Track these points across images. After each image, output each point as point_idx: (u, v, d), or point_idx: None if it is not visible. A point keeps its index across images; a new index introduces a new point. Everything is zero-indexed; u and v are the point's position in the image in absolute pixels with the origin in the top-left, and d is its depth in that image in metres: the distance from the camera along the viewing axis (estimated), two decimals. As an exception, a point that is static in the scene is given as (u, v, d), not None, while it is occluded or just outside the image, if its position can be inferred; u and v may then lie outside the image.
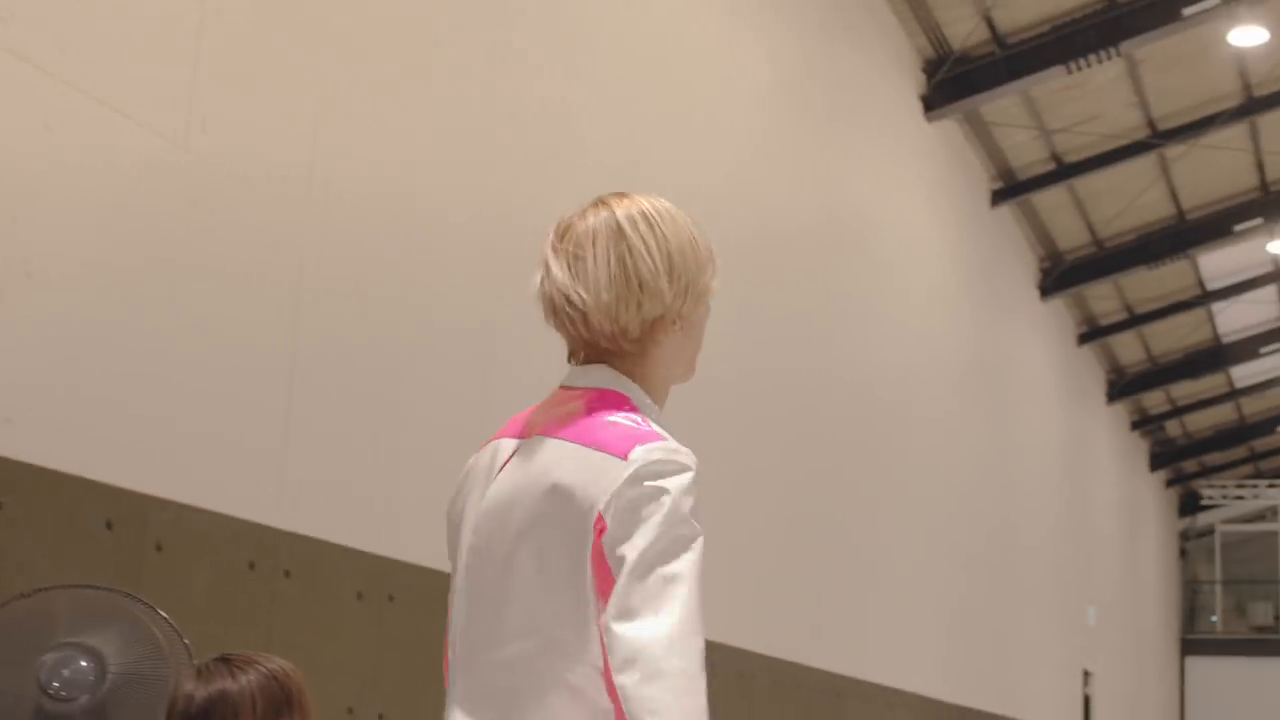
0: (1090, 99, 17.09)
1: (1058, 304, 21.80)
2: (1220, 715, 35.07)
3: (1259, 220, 20.46)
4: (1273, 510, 37.52)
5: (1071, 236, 20.49)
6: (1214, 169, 19.55)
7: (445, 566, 6.86)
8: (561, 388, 2.79)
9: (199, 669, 3.54)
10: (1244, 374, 28.07)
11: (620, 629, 2.50)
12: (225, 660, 3.54)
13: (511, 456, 2.77)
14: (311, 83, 6.47)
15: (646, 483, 2.57)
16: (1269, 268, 23.25)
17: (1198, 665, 36.11)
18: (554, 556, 2.63)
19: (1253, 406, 30.81)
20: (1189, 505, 36.82)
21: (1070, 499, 22.93)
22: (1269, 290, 23.98)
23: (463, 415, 7.47)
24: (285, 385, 6.30)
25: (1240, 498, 36.64)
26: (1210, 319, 24.83)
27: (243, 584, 5.99)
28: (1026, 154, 18.06)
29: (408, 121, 7.12)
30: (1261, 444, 34.34)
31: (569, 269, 2.69)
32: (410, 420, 7.09)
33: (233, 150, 6.05)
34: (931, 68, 15.43)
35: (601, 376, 2.74)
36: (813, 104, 12.47)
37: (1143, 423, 29.34)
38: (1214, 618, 37.94)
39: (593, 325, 2.69)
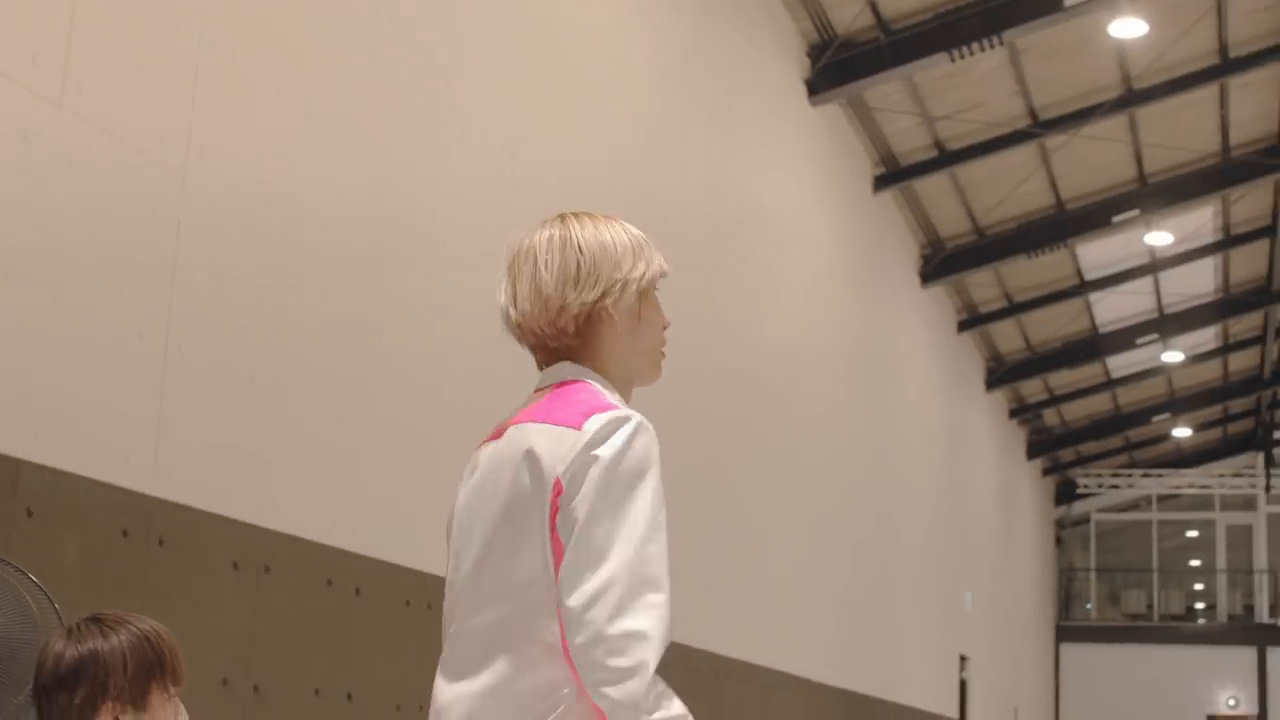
0: (973, 87, 17.24)
1: (938, 291, 21.98)
2: (1093, 701, 35.58)
3: (1136, 212, 20.72)
4: (1147, 500, 38.09)
5: (953, 224, 20.66)
6: (1093, 160, 19.80)
7: (322, 538, 6.82)
8: (535, 390, 3.11)
9: (70, 629, 3.49)
10: (1120, 364, 28.45)
11: (568, 584, 2.80)
12: (97, 620, 3.49)
13: (481, 449, 3.11)
14: (191, 46, 6.40)
15: (594, 451, 2.84)
16: (1146, 259, 23.56)
17: (1072, 652, 36.60)
18: (525, 524, 2.88)
19: (1128, 397, 31.24)
20: (1065, 493, 37.30)
21: (949, 485, 23.14)
22: (1146, 281, 24.29)
23: (341, 387, 7.42)
24: (161, 352, 6.22)
25: (1115, 487, 37.18)
26: (1088, 309, 25.14)
27: (116, 551, 5.91)
28: (909, 140, 18.18)
29: (289, 90, 7.06)
30: (1136, 434, 34.82)
31: (507, 292, 3.12)
32: (288, 391, 7.03)
33: (110, 111, 5.96)
34: (816, 52, 15.49)
35: (562, 371, 3.06)
36: (697, 86, 12.49)
37: (1021, 411, 29.66)
38: (1089, 605, 38.46)
39: (526, 331, 3.08)
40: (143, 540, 6.05)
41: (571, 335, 3.05)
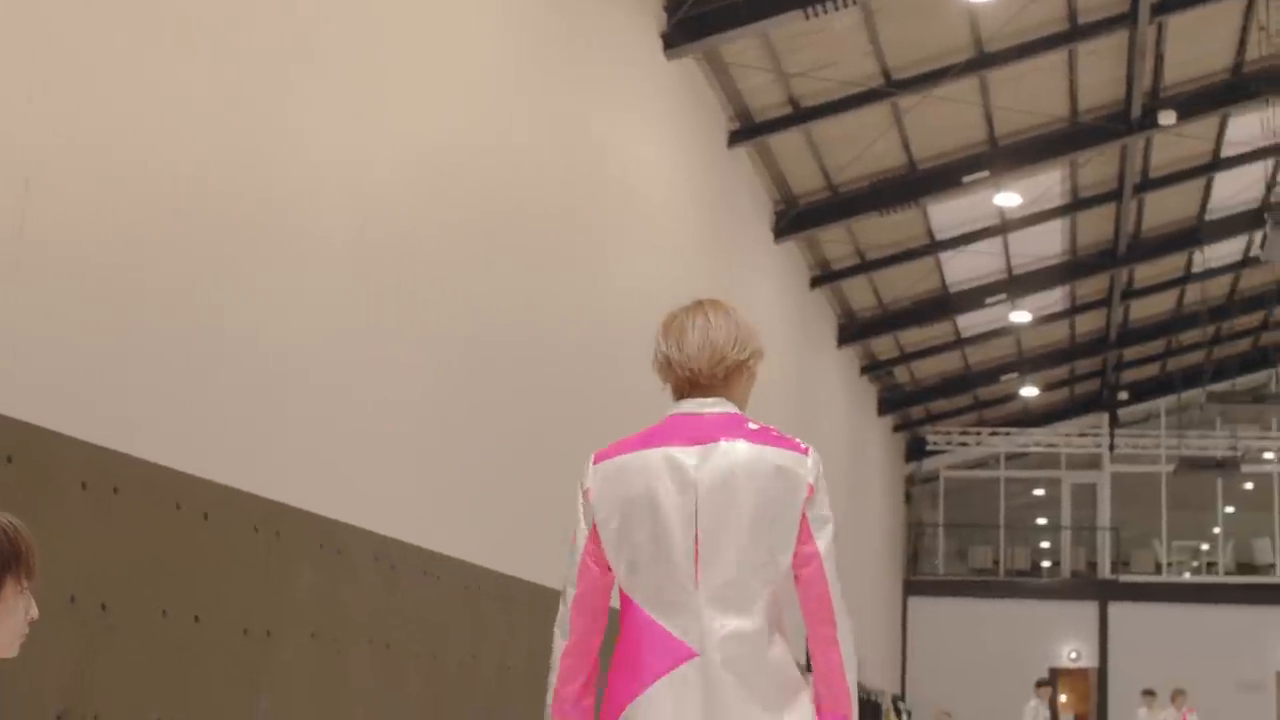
0: (828, 45, 17.51)
1: (791, 247, 22.28)
2: (940, 652, 36.25)
3: (986, 173, 21.11)
4: (995, 458, 38.77)
5: (806, 181, 20.95)
6: (944, 121, 20.16)
7: (171, 462, 6.93)
8: (683, 415, 4.46)
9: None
10: (970, 323, 28.96)
11: (823, 552, 4.39)
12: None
13: (696, 457, 4.37)
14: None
15: (821, 467, 4.47)
16: (995, 220, 24.01)
17: (920, 605, 37.25)
18: (780, 510, 4.34)
19: (978, 356, 31.80)
20: (915, 450, 37.87)
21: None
22: (995, 242, 24.75)
23: (193, 312, 7.53)
24: (12, 271, 6.32)
25: (964, 444, 37.81)
26: (939, 268, 25.57)
27: (-36, 469, 6.01)
28: (764, 97, 18.41)
29: (136, 47, 7.14)
30: (985, 393, 35.42)
31: (700, 345, 4.53)
32: (140, 314, 7.13)
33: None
34: (672, 5, 15.67)
35: (723, 405, 4.50)
36: (552, 37, 12.65)
37: (872, 368, 30.10)
38: (937, 560, 39.12)
39: (686, 369, 4.49)
40: (-9, 458, 6.15)
41: (721, 380, 4.54)
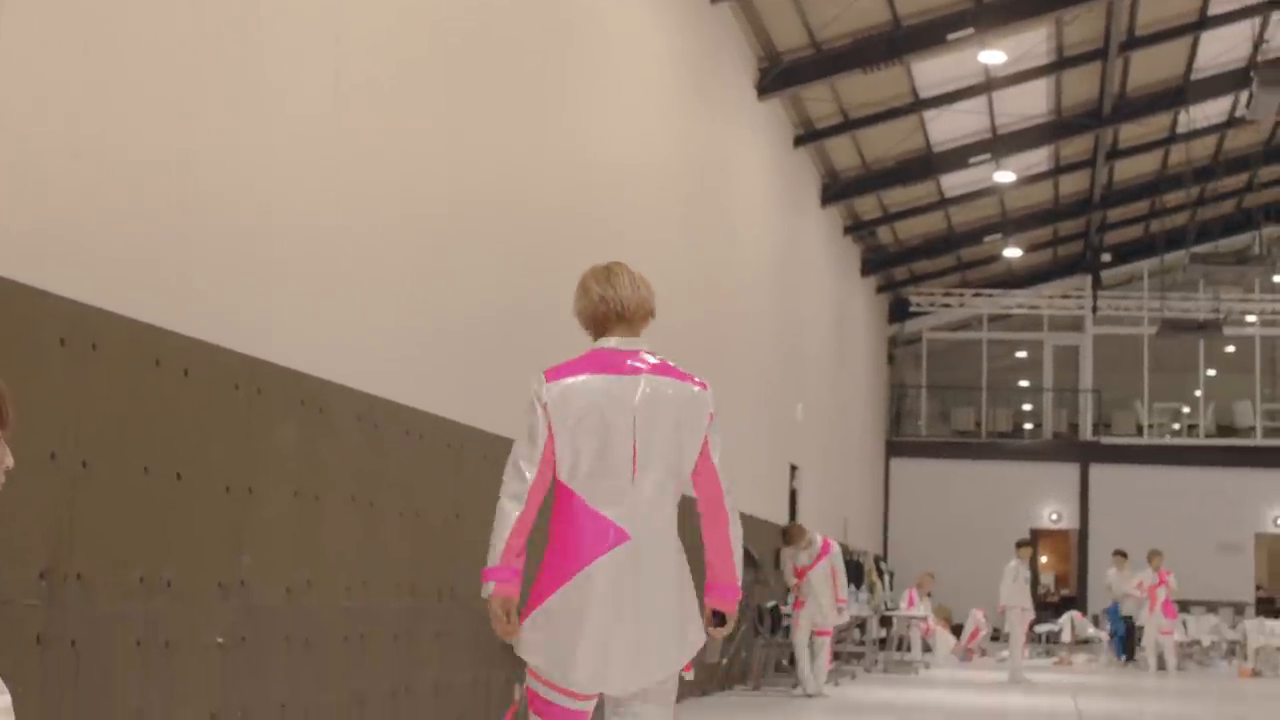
0: (811, -101, 17.27)
1: (774, 105, 22.11)
2: (921, 513, 36.51)
3: (971, 30, 20.91)
4: (978, 319, 38.83)
5: (790, 37, 20.73)
6: (930, -24, 19.96)
7: (150, 318, 6.84)
8: (613, 350, 5.82)
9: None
10: (953, 184, 28.86)
11: (717, 464, 5.73)
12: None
13: (632, 386, 5.69)
14: None
15: (715, 400, 5.86)
16: (980, 78, 23.84)
17: (902, 466, 37.45)
18: (690, 429, 5.69)
19: (961, 216, 31.73)
20: (899, 312, 37.90)
21: (782, 300, 23.47)
22: (979, 101, 24.57)
23: (170, 169, 7.44)
24: (-16, 127, 6.23)
25: (947, 306, 37.84)
26: (923, 127, 25.42)
27: (-61, 324, 5.95)
28: (747, -48, 18.19)
29: None
30: (969, 254, 35.40)
31: (631, 290, 5.97)
32: (116, 169, 7.05)
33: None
34: None
35: (643, 345, 5.86)
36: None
37: (855, 228, 30.02)
38: (919, 421, 39.28)
39: (630, 313, 5.87)
40: (-33, 314, 6.09)
41: (640, 321, 5.96)
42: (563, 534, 5.56)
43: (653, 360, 5.78)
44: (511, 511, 5.56)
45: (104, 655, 6.90)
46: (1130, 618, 28.07)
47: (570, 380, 5.69)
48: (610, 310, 5.86)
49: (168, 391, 7.36)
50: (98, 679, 6.84)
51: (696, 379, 5.80)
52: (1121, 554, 27.98)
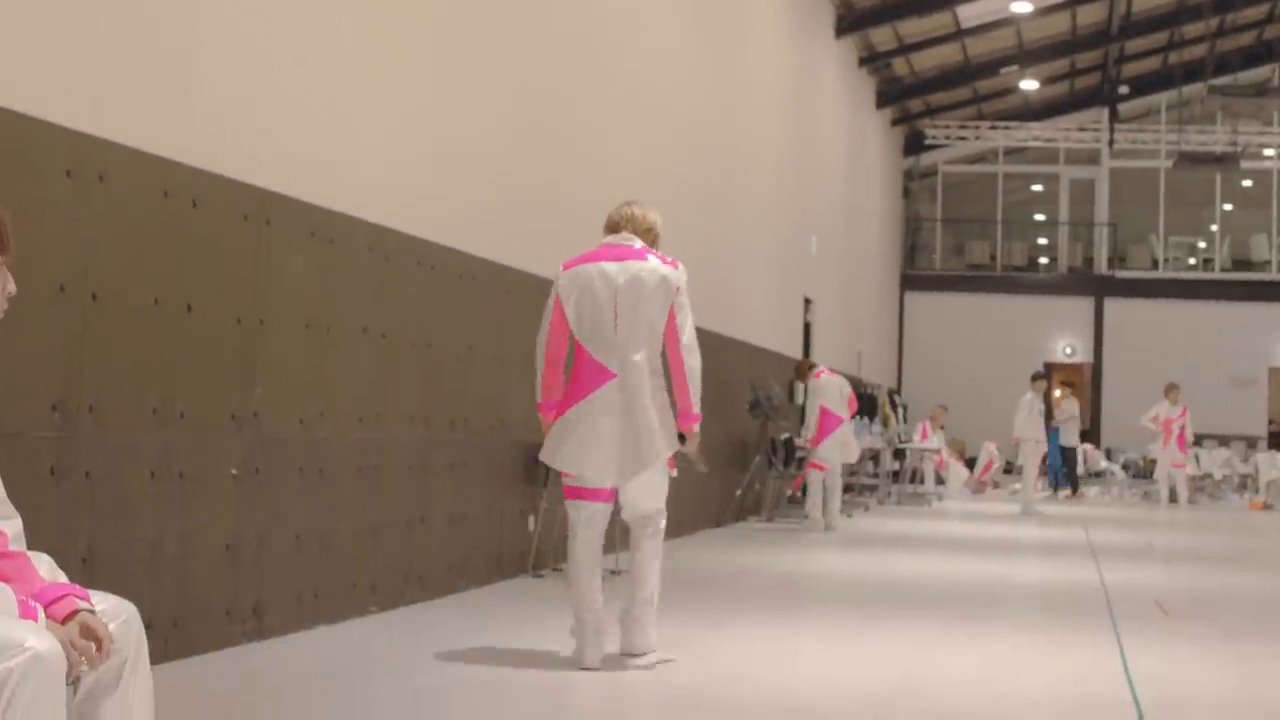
0: None
1: (789, -66, 21.83)
2: (936, 347, 36.54)
3: None
4: (993, 152, 38.59)
5: None
6: None
7: (159, 150, 6.82)
8: (609, 245, 7.89)
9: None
10: (970, 14, 28.53)
11: (680, 324, 7.72)
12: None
13: (618, 271, 7.75)
14: None
15: (685, 276, 7.79)
16: (998, -95, 23.51)
17: (916, 300, 37.43)
18: (659, 302, 7.65)
19: (978, 48, 31.42)
20: (914, 145, 37.66)
21: (796, 132, 23.30)
22: (997, -70, 24.27)
23: (168, 7, 7.37)
24: (-16, -46, 6.15)
25: (963, 138, 37.59)
26: (939, -45, 25.10)
27: (-55, 154, 5.91)
28: None
29: None
30: (985, 86, 35.11)
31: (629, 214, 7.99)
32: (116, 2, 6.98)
33: None
34: None
35: (633, 240, 7.88)
36: None
37: (870, 59, 29.74)
38: (934, 255, 39.19)
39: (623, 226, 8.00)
40: (-28, 144, 6.05)
41: (632, 231, 7.97)
42: (574, 374, 7.84)
43: (642, 252, 7.85)
44: (543, 355, 7.88)
45: (118, 486, 6.94)
46: (1072, 449, 28.35)
47: (577, 268, 7.87)
48: (608, 222, 8.10)
49: (177, 223, 7.34)
50: (112, 510, 6.89)
51: (668, 260, 7.81)
52: (1056, 382, 27.35)
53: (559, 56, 12.52)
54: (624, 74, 14.30)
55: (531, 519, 11.82)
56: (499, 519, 11.30)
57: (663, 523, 7.96)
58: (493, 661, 7.88)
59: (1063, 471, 28.78)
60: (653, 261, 7.75)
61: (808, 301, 24.29)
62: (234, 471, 7.81)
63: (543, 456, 7.88)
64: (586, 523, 7.80)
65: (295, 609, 8.44)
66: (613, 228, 7.99)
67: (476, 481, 10.89)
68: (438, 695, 7.02)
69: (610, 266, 7.75)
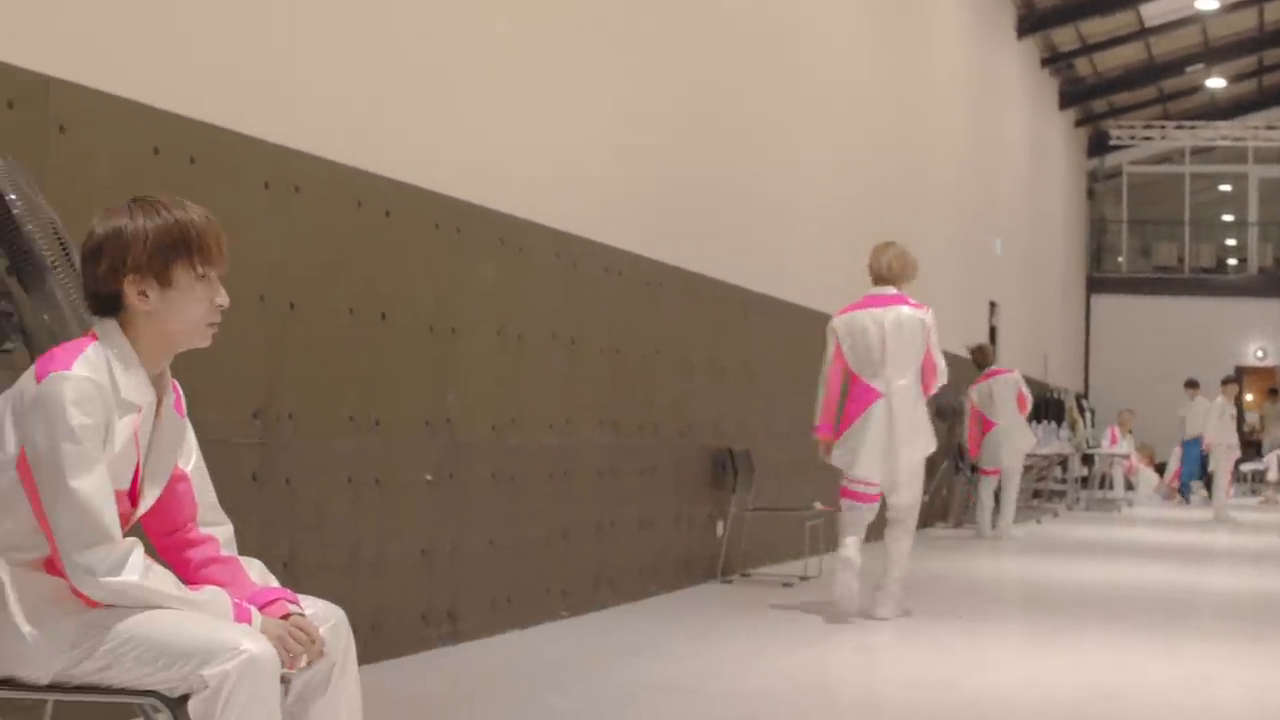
0: None
1: (971, -65, 21.64)
2: (1123, 351, 35.95)
3: None
4: (1180, 152, 37.92)
5: None
6: None
7: (348, 160, 6.93)
8: (875, 295, 9.83)
9: (110, 209, 3.60)
10: (1154, 12, 28.04)
11: (938, 365, 9.89)
12: (137, 200, 3.61)
13: (883, 315, 9.71)
14: None
15: (933, 318, 9.87)
16: (1183, -100, 23.10)
17: (1103, 303, 36.87)
18: (916, 339, 9.68)
19: (1162, 46, 30.89)
20: (1098, 145, 37.11)
21: (978, 133, 23.10)
22: (1182, -76, 23.84)
23: (363, 13, 7.48)
24: (184, -28, 6.28)
25: (1148, 139, 36.96)
26: (1123, -47, 24.73)
27: (147, 168, 6.04)
28: None
29: None
30: (1170, 85, 34.50)
31: (888, 263, 9.99)
32: (318, 11, 7.09)
33: None
34: None
35: (893, 290, 9.83)
36: None
37: (1053, 60, 29.37)
38: (1120, 257, 38.60)
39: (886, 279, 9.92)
40: (174, 158, 6.17)
41: (894, 280, 9.91)
42: (850, 397, 9.75)
43: (902, 299, 9.75)
44: (819, 393, 9.86)
45: (317, 492, 7.05)
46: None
47: (848, 315, 9.81)
48: (874, 275, 9.90)
49: (369, 233, 7.45)
50: (311, 515, 7.00)
51: (921, 306, 9.75)
52: (1192, 384, 26.47)
53: (742, 60, 12.51)
54: (806, 76, 14.26)
55: (720, 524, 11.83)
56: (687, 524, 11.33)
57: (916, 514, 9.93)
58: (682, 666, 7.90)
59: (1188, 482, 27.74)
60: (908, 309, 9.67)
61: (993, 305, 24.05)
62: (428, 478, 7.91)
63: (835, 461, 9.80)
64: (864, 512, 9.77)
65: (489, 613, 8.52)
66: (877, 279, 9.83)
67: (665, 486, 10.92)
68: (628, 699, 7.05)
69: (876, 311, 9.66)
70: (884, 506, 9.88)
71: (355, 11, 7.41)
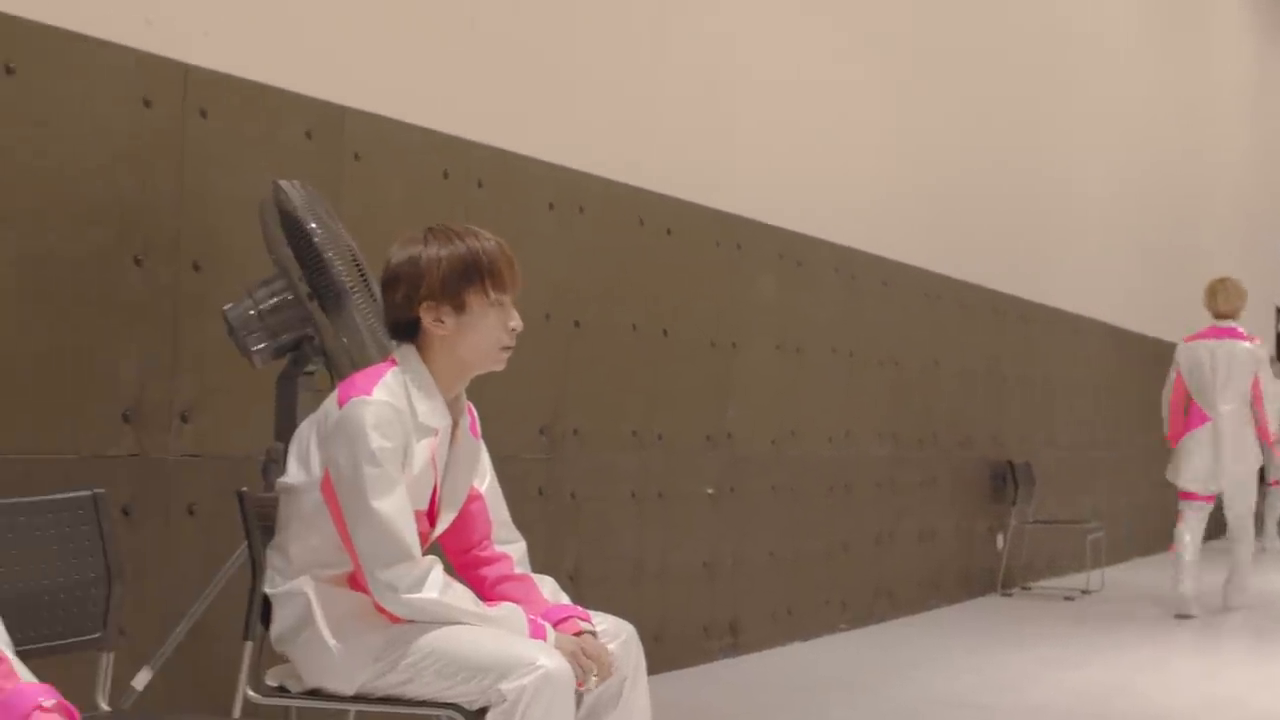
0: None
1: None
2: None
3: None
4: None
5: None
6: None
7: (633, 180, 7.06)
8: (1214, 327, 10.97)
9: (407, 237, 3.74)
10: None
11: (1263, 387, 11.01)
12: (432, 229, 3.74)
13: (1217, 347, 10.90)
14: None
15: (1263, 351, 11.07)
16: None
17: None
18: (1247, 370, 10.84)
19: None
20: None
21: (1264, 135, 22.49)
22: None
23: (642, 39, 7.59)
24: (469, 12, 6.46)
25: None
26: None
27: (437, 193, 6.23)
28: None
29: None
30: None
31: (1225, 302, 11.20)
32: (590, 38, 7.23)
33: None
34: None
35: (1230, 324, 10.96)
36: None
37: (1343, 56, 28.44)
38: None
39: (1224, 314, 11.24)
40: (462, 182, 6.36)
41: (1230, 315, 11.09)
42: (1190, 415, 10.92)
43: (1237, 333, 10.85)
44: (1164, 411, 11.08)
45: (601, 506, 7.18)
46: None
47: (1191, 344, 10.93)
48: (1213, 308, 10.99)
49: (651, 250, 7.57)
50: (596, 529, 7.14)
51: (1254, 339, 10.91)
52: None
53: (1018, 71, 12.40)
54: (1084, 83, 14.07)
55: (1000, 537, 11.74)
56: (967, 536, 11.26)
57: (1249, 523, 11.26)
58: (964, 681, 7.87)
59: None
60: (1243, 343, 10.85)
61: (1279, 310, 23.39)
62: (710, 491, 8.00)
63: (1167, 474, 11.07)
64: (1195, 516, 10.92)
65: (770, 625, 8.58)
66: (1217, 315, 10.99)
67: (944, 498, 10.88)
68: (912, 714, 7.04)
69: (1212, 343, 10.88)
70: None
71: (636, 36, 7.53)
